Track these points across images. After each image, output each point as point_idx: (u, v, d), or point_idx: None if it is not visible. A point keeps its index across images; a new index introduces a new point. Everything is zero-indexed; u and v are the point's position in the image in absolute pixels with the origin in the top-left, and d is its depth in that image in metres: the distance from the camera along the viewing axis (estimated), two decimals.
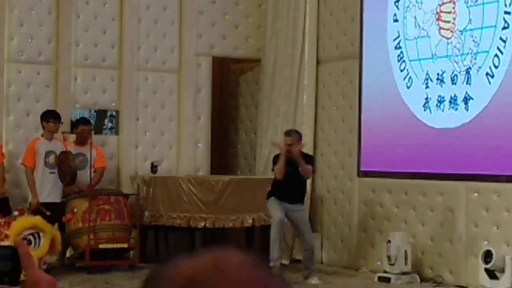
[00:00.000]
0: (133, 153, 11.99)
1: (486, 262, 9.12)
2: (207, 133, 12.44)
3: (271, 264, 9.89)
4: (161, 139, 12.17)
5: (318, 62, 11.90)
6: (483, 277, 9.19)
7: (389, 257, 10.14)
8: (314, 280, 10.06)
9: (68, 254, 10.86)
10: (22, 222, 9.41)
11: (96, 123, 11.71)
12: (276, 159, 10.16)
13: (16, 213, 9.88)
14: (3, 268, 1.52)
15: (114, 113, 11.92)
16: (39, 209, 10.42)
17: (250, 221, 11.01)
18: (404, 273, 10.08)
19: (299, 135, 10.19)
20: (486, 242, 9.46)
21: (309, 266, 10.16)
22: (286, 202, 9.99)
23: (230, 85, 13.39)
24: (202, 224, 11.08)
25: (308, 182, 11.77)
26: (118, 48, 11.87)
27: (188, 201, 11.06)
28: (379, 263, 10.52)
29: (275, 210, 10.03)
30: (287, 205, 10.00)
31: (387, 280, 10.07)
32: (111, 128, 11.94)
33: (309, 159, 10.20)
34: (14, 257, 1.53)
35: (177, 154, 12.26)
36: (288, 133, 10.18)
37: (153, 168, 11.65)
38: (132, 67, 11.94)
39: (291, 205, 10.00)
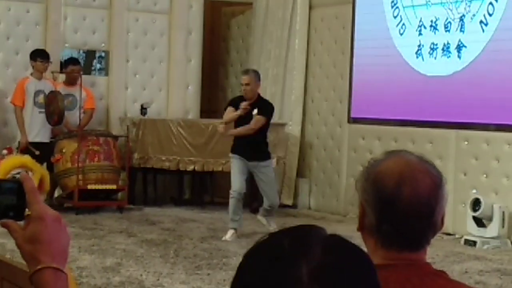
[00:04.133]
0: (123, 95, 11.92)
1: (474, 210, 9.16)
2: (198, 76, 12.36)
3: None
4: (151, 81, 12.09)
5: (310, 7, 11.79)
6: (471, 225, 9.24)
7: None
8: (266, 222, 9.43)
9: (56, 194, 10.85)
10: (11, 161, 9.32)
11: (84, 63, 11.61)
12: (232, 103, 9.31)
13: (4, 151, 9.84)
14: (8, 202, 1.49)
15: (102, 54, 11.81)
16: (28, 148, 10.37)
17: None
18: None
19: (257, 75, 9.32)
20: (474, 191, 9.50)
21: (270, 216, 9.49)
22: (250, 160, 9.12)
23: (221, 28, 13.28)
24: (191, 167, 11.08)
25: (297, 128, 11.79)
26: None
27: (177, 144, 11.04)
28: None
29: (235, 177, 9.12)
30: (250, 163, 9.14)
31: None
32: (100, 69, 11.84)
33: (267, 107, 9.23)
34: (19, 191, 1.49)
35: (167, 97, 12.19)
36: (245, 71, 9.47)
37: (143, 110, 11.59)
38: (123, 7, 11.81)
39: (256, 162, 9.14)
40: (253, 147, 9.09)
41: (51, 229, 1.47)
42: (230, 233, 9.13)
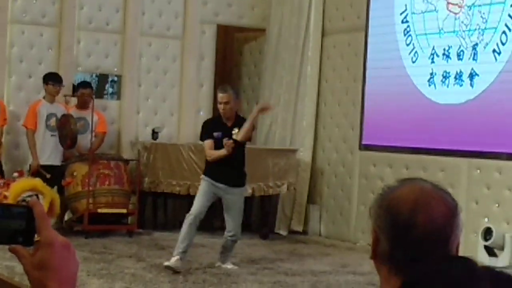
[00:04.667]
0: (134, 119, 11.93)
1: (486, 239, 9.10)
2: (209, 101, 12.37)
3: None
4: (163, 105, 12.11)
5: (323, 34, 11.81)
6: (482, 254, 9.17)
7: None
8: (230, 265, 8.76)
9: (66, 218, 10.84)
10: (22, 184, 9.38)
11: (97, 87, 11.64)
12: (208, 128, 8.62)
13: (15, 174, 9.85)
14: (17, 227, 1.48)
15: (115, 78, 11.85)
16: (39, 171, 10.39)
17: (250, 191, 10.96)
18: None
19: (235, 92, 8.75)
20: (486, 219, 9.44)
21: (227, 253, 8.80)
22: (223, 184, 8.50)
23: (234, 54, 13.30)
24: None
25: (309, 154, 11.76)
26: (122, 12, 11.78)
27: (188, 169, 11.03)
28: None
29: (198, 199, 8.59)
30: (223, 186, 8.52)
31: None
32: (112, 93, 11.87)
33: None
34: (28, 216, 1.48)
35: (178, 121, 12.21)
36: (223, 89, 8.68)
37: (154, 134, 11.60)
38: (136, 32, 11.85)
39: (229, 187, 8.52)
40: (230, 170, 8.40)
41: (60, 255, 1.46)
42: (174, 259, 8.34)
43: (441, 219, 1.99)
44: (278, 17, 12.14)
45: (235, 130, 8.44)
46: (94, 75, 11.71)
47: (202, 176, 8.71)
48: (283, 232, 11.59)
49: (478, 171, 9.69)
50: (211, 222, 11.70)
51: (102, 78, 11.78)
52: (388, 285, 2.05)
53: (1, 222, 1.47)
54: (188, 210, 11.75)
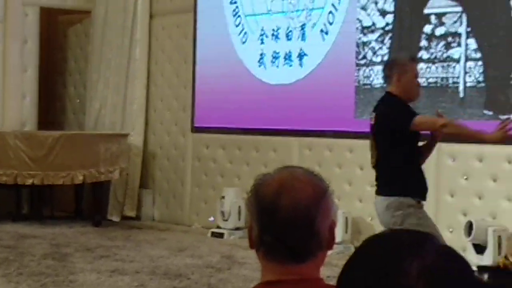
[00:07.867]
0: None
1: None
2: (34, 86, 11.94)
3: None
4: None
5: (151, 15, 11.63)
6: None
7: (223, 213, 10.14)
8: None
9: None
10: None
11: None
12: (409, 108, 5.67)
13: None
14: None
15: None
16: None
17: (81, 177, 10.70)
18: (237, 229, 10.11)
19: None
20: None
21: None
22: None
23: (58, 37, 12.89)
24: (30, 181, 10.66)
25: (140, 138, 11.59)
26: None
27: (15, 157, 10.61)
28: (211, 218, 10.50)
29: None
30: None
31: (220, 235, 10.08)
32: None
33: None
34: None
35: (2, 108, 11.71)
36: (415, 57, 6.34)
37: None
38: None
39: None
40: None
41: None
42: None
43: (304, 200, 1.99)
44: None
45: None
46: None
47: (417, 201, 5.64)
48: (116, 218, 11.39)
49: (309, 150, 9.84)
50: (41, 211, 11.35)
51: None
52: (265, 270, 2.03)
53: None
54: (16, 200, 11.40)
